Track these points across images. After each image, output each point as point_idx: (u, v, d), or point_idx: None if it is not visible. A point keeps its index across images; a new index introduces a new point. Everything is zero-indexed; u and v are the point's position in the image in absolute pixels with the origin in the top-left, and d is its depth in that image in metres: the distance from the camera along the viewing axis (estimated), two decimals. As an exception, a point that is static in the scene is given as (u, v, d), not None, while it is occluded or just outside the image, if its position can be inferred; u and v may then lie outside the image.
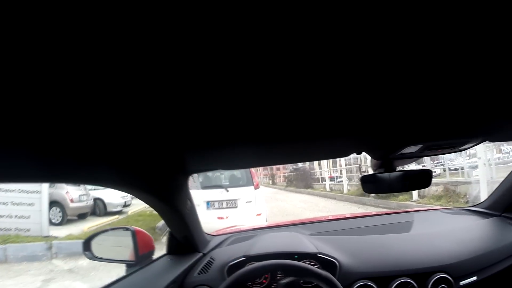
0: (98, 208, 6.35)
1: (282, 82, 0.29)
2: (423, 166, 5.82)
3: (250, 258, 0.80)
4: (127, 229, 0.81)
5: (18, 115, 0.27)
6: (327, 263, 0.78)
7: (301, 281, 0.75)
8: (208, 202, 3.54)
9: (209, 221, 3.23)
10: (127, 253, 0.80)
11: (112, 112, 0.34)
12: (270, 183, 24.91)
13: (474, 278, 0.80)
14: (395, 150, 0.60)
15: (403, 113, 0.44)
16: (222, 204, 3.57)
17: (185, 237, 0.82)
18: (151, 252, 0.82)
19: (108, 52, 0.21)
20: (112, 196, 6.38)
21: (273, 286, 0.77)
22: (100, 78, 0.25)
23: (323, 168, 13.29)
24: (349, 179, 9.62)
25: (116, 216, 6.00)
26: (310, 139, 0.54)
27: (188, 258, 0.83)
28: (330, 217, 1.52)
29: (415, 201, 5.10)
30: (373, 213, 1.55)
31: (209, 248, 0.94)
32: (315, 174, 14.66)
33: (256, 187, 3.63)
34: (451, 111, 0.45)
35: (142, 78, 0.26)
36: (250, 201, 3.54)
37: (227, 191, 3.59)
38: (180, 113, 0.37)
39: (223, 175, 3.77)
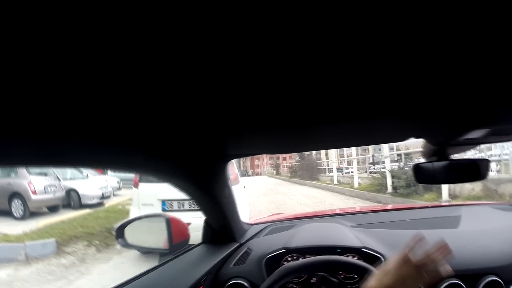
0: (72, 200, 6.59)
1: (332, 57, 0.31)
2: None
3: (290, 251, 0.90)
4: (162, 216, 0.94)
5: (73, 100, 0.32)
6: (372, 258, 0.86)
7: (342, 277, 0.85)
8: (164, 202, 3.17)
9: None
10: (161, 240, 0.93)
11: (148, 97, 0.38)
12: (274, 173, 26.02)
13: None
14: (457, 135, 0.63)
15: (470, 92, 0.45)
16: (183, 205, 3.15)
17: (222, 225, 0.94)
18: (186, 240, 0.95)
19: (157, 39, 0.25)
20: (88, 187, 6.69)
21: (312, 280, 0.85)
22: (140, 62, 0.29)
23: (331, 158, 13.64)
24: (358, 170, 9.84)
25: (87, 211, 6.11)
26: (366, 119, 0.57)
27: (224, 248, 0.95)
28: (373, 208, 1.64)
29: (445, 202, 4.72)
30: (418, 205, 1.66)
31: (246, 237, 1.06)
32: (322, 164, 15.19)
33: (233, 182, 3.53)
34: None
35: (181, 62, 0.30)
36: None
37: None
38: (220, 97, 0.41)
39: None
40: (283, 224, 1.19)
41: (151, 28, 0.24)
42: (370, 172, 10.00)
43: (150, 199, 3.18)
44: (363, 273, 0.72)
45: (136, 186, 3.41)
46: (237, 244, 1.01)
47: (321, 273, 0.80)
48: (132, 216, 3.02)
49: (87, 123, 0.37)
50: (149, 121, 0.46)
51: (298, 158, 17.39)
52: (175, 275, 0.82)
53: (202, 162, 0.73)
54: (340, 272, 0.86)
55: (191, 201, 2.97)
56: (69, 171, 7.02)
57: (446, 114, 0.56)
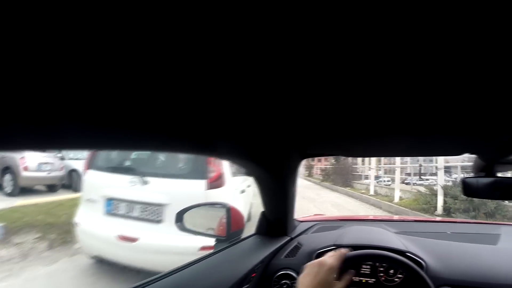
0: (73, 181, 7.01)
1: (410, 74, 0.41)
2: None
3: (341, 248, 1.14)
4: (223, 205, 1.18)
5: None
6: (414, 263, 1.06)
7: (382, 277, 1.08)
8: (109, 201, 2.70)
9: (103, 238, 2.60)
10: (217, 228, 1.18)
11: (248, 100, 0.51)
12: (306, 174, 26.89)
13: None
14: (508, 154, 0.80)
15: None
16: (132, 210, 2.63)
17: (278, 219, 1.18)
18: (241, 230, 1.20)
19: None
20: None
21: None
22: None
23: (368, 164, 13.67)
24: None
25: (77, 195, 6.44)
26: (425, 135, 0.76)
27: (277, 241, 1.20)
28: (415, 218, 1.94)
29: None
30: (459, 220, 1.91)
31: (296, 233, 1.31)
32: (358, 170, 15.37)
33: (214, 184, 2.64)
34: None
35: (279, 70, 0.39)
36: None
37: (145, 182, 2.64)
38: (308, 105, 0.56)
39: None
40: (330, 224, 1.46)
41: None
42: (415, 184, 9.88)
43: (94, 194, 2.79)
44: (410, 274, 0.95)
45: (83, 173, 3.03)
46: (288, 238, 1.25)
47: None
48: (78, 215, 2.86)
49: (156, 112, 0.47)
50: (245, 115, 0.62)
51: (333, 161, 17.79)
52: (232, 261, 1.06)
53: (283, 157, 0.97)
54: (381, 275, 1.10)
55: (144, 207, 2.62)
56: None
57: (502, 132, 0.70)
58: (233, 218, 1.17)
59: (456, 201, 6.08)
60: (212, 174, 2.65)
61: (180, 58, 0.34)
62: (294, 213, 1.28)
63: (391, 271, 1.11)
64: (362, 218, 1.74)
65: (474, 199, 5.95)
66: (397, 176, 9.79)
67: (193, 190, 2.54)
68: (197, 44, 0.31)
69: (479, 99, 0.52)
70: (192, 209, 1.19)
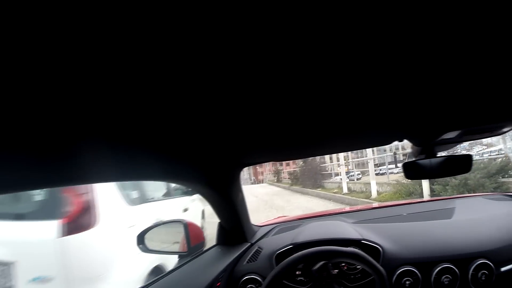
0: None
1: (322, 78, 0.49)
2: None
3: (297, 246, 1.35)
4: (180, 222, 1.37)
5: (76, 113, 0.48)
6: (371, 249, 1.33)
7: (345, 267, 1.29)
8: None
9: None
10: (179, 245, 1.37)
11: (173, 110, 0.57)
12: (275, 180, 27.71)
13: None
14: (434, 137, 0.97)
15: (442, 100, 0.70)
16: None
17: (235, 227, 1.39)
18: (202, 243, 1.39)
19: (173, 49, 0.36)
20: None
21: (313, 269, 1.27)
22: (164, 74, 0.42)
23: (337, 160, 14.25)
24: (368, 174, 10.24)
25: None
26: (352, 131, 0.90)
27: (237, 248, 1.40)
28: (372, 206, 2.27)
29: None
30: (415, 200, 2.22)
31: (256, 238, 1.52)
32: (326, 168, 15.93)
33: (74, 225, 1.93)
34: (493, 95, 0.71)
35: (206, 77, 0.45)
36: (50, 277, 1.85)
37: None
38: (237, 115, 0.65)
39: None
40: (289, 224, 1.69)
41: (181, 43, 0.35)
42: (392, 173, 10.46)
43: None
44: (356, 260, 1.13)
45: None
46: (249, 244, 1.47)
47: (321, 263, 1.22)
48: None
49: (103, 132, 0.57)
50: (174, 133, 0.71)
51: (301, 163, 18.42)
52: (195, 274, 1.24)
53: (220, 170, 1.16)
54: (343, 264, 1.33)
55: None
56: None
57: (422, 122, 0.87)
58: (192, 233, 1.37)
59: (447, 187, 6.23)
60: (71, 209, 1.89)
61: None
62: (250, 219, 1.51)
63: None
64: (321, 214, 2.03)
65: (468, 182, 6.49)
66: (371, 168, 9.92)
67: (39, 237, 1.85)
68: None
69: (401, 94, 0.64)
70: (152, 230, 1.36)
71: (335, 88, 0.56)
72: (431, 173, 1.11)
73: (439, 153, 1.13)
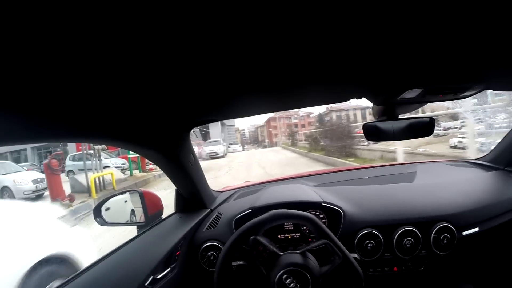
0: (7, 197, 11.41)
1: (280, 25, 0.59)
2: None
3: (256, 210, 1.69)
4: (135, 191, 1.75)
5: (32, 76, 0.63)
6: (332, 212, 1.67)
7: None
8: None
9: None
10: (137, 215, 1.75)
11: (112, 64, 0.69)
12: (289, 143, 28.80)
13: (476, 229, 1.64)
14: (396, 95, 1.13)
15: (402, 55, 0.85)
16: None
17: (192, 193, 1.76)
18: (160, 212, 1.78)
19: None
20: (20, 182, 11.60)
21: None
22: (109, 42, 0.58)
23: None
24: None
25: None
26: (309, 83, 1.05)
27: (196, 215, 1.77)
28: (334, 169, 2.70)
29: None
30: (376, 164, 2.66)
31: (216, 203, 1.91)
32: (359, 130, 15.31)
33: None
34: (452, 54, 0.87)
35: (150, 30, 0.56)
36: None
37: None
38: (182, 65, 0.76)
39: None
40: (250, 189, 2.09)
41: None
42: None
43: None
44: (309, 224, 1.39)
45: None
46: (208, 210, 1.86)
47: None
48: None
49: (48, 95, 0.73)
50: (110, 88, 0.83)
51: (318, 124, 17.83)
52: (153, 243, 1.53)
53: (167, 131, 1.39)
54: (304, 227, 1.69)
55: None
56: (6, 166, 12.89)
57: (381, 77, 1.04)
58: (148, 201, 1.74)
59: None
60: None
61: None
62: (208, 184, 1.89)
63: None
64: (282, 178, 2.43)
65: None
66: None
67: None
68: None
69: (359, 46, 0.77)
70: (108, 201, 1.74)
71: (295, 36, 0.67)
72: (392, 135, 1.36)
73: (401, 115, 1.37)
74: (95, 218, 1.72)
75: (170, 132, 1.44)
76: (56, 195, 10.04)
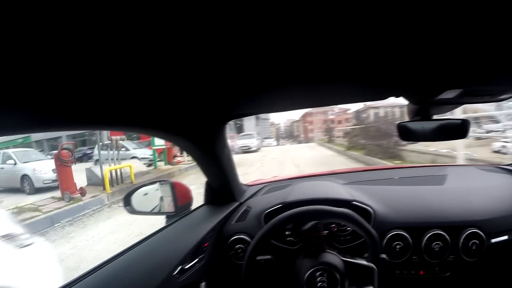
0: (27, 185, 12.43)
1: (318, 16, 0.62)
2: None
3: (287, 205, 1.76)
4: (166, 181, 1.86)
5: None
6: (362, 211, 1.72)
7: (335, 229, 1.68)
8: None
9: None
10: (166, 205, 1.85)
11: (155, 52, 0.73)
12: (326, 140, 29.05)
13: (506, 237, 1.66)
14: (433, 95, 1.18)
15: (442, 54, 0.88)
16: None
17: (223, 186, 1.85)
18: (190, 203, 1.88)
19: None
20: (40, 171, 12.24)
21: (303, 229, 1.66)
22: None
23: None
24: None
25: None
26: (345, 79, 1.11)
27: (226, 207, 1.86)
28: (363, 168, 2.82)
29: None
30: (406, 165, 2.71)
31: (245, 197, 2.00)
32: None
33: None
34: (494, 55, 0.89)
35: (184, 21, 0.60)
36: None
37: None
38: (220, 59, 0.81)
39: None
40: (279, 184, 2.18)
41: None
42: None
43: None
44: (348, 222, 1.46)
45: None
46: (237, 203, 1.94)
47: (311, 223, 1.60)
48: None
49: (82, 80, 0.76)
50: (152, 82, 0.90)
51: (355, 121, 17.54)
52: (182, 233, 1.64)
53: (204, 123, 1.46)
54: (333, 225, 1.75)
55: None
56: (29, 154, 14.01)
57: (419, 76, 1.08)
58: (178, 192, 1.84)
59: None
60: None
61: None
62: (238, 177, 1.97)
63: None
64: (312, 174, 2.53)
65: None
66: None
67: None
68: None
69: (399, 48, 0.82)
70: (138, 190, 1.85)
71: (332, 31, 0.70)
72: (425, 136, 1.40)
73: (435, 116, 1.40)
74: (124, 206, 1.83)
75: (206, 123, 1.51)
76: (66, 188, 10.15)
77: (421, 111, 1.36)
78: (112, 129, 1.24)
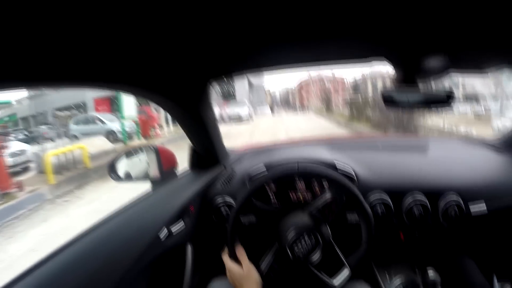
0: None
1: None
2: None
3: (271, 168, 1.92)
4: (150, 147, 2.00)
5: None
6: (345, 174, 1.89)
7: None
8: None
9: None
10: (151, 171, 1.99)
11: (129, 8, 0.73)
12: (324, 109, 29.29)
13: (484, 207, 1.84)
14: (418, 60, 1.22)
15: (429, 15, 0.89)
16: None
17: (207, 149, 1.99)
18: (175, 168, 2.03)
19: None
20: None
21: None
22: None
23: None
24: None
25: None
26: (329, 36, 1.11)
27: (210, 171, 2.02)
28: (348, 136, 3.20)
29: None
30: (390, 135, 3.16)
31: (230, 161, 2.16)
32: None
33: None
34: (484, 21, 0.91)
35: None
36: None
37: None
38: (203, 11, 0.81)
39: None
40: (264, 149, 2.36)
41: None
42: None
43: None
44: (332, 182, 1.64)
45: None
46: (222, 167, 2.11)
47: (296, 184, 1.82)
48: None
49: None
50: (131, 33, 0.89)
51: (352, 91, 17.25)
52: (167, 197, 1.77)
53: (187, 81, 1.49)
54: (316, 189, 1.92)
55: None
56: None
57: (406, 36, 1.09)
58: (163, 158, 1.99)
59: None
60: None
61: None
62: (223, 141, 2.13)
63: (325, 184, 1.93)
64: (296, 141, 2.73)
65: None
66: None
67: None
68: None
69: (384, 4, 0.82)
70: (123, 157, 1.99)
71: None
72: (407, 104, 1.46)
73: (421, 85, 1.46)
74: (109, 174, 1.95)
75: (190, 82, 1.56)
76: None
77: (406, 78, 1.42)
78: (86, 86, 1.17)
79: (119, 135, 16.23)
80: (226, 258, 1.56)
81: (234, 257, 1.54)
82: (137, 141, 15.40)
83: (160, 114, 19.95)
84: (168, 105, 1.64)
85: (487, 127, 10.65)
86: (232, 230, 1.54)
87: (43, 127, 23.55)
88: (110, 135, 16.15)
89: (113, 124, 16.92)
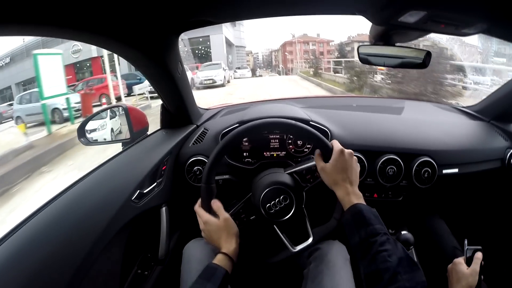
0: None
1: None
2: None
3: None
4: (119, 106, 2.18)
5: None
6: (319, 131, 1.84)
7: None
8: None
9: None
10: (121, 132, 2.16)
11: None
12: (311, 73, 28.79)
13: (456, 170, 2.12)
14: (396, 15, 1.25)
15: None
16: None
17: (178, 107, 2.16)
18: (146, 128, 2.21)
19: None
20: None
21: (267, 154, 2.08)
22: None
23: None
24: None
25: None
26: None
27: (182, 130, 2.19)
28: (322, 95, 3.68)
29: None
30: (365, 95, 3.54)
31: (202, 120, 2.36)
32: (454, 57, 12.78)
33: None
34: None
35: None
36: None
37: None
38: None
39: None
40: (238, 107, 2.56)
41: None
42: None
43: None
44: (302, 134, 1.63)
45: None
46: (194, 126, 2.30)
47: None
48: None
49: None
50: None
51: (338, 54, 16.24)
52: (138, 158, 1.89)
53: (153, 30, 1.53)
54: (290, 146, 2.12)
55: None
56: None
57: None
58: (133, 118, 2.17)
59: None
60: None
61: None
62: (194, 100, 2.32)
63: (299, 143, 2.12)
64: (269, 99, 2.96)
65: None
66: None
67: None
68: None
69: None
70: (92, 120, 2.15)
71: None
72: (382, 61, 1.62)
73: (398, 43, 1.58)
74: (79, 138, 2.10)
75: (157, 33, 1.61)
76: None
77: (383, 35, 1.53)
78: (50, 34, 1.20)
79: (65, 113, 15.20)
80: (201, 212, 1.58)
81: (209, 211, 1.58)
82: (64, 130, 13.76)
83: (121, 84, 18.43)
84: (134, 55, 1.70)
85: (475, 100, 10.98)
86: (207, 184, 1.57)
87: (4, 105, 22.55)
88: (55, 114, 15.17)
89: (58, 100, 14.91)
